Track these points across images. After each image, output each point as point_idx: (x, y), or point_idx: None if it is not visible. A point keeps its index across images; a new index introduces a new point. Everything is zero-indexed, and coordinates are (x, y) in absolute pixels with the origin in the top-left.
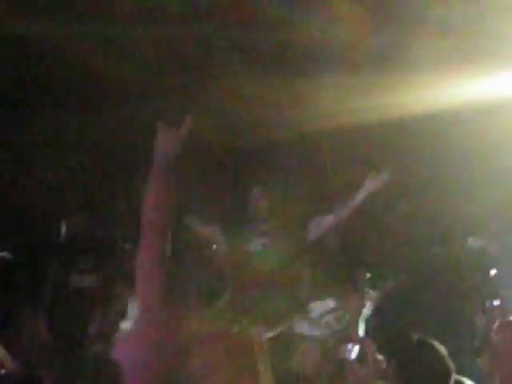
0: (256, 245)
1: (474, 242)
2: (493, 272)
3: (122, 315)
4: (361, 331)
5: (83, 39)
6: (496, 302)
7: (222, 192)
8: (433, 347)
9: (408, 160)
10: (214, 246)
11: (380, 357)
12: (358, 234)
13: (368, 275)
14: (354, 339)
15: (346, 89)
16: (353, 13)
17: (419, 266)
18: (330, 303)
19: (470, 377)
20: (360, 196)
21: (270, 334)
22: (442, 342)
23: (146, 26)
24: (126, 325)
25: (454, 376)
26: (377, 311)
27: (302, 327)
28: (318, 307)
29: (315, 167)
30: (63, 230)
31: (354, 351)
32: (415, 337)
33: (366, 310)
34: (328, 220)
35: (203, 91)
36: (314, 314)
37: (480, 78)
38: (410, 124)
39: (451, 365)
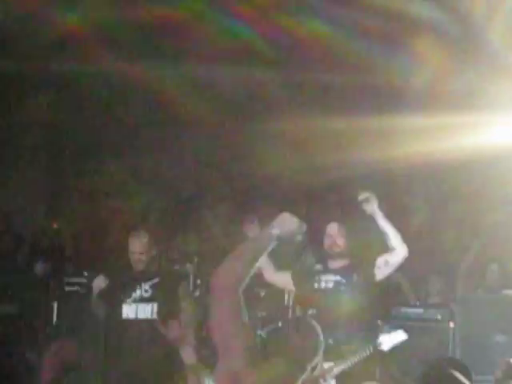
0: (327, 283)
1: None
2: None
3: None
4: None
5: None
6: None
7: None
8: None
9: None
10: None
11: None
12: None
13: None
14: None
15: (427, 128)
16: (434, 55)
17: None
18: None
19: None
20: None
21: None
22: None
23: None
24: None
25: None
26: None
27: None
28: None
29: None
30: None
31: None
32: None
33: None
34: (395, 258)
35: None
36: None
37: None
38: (489, 163)
39: None
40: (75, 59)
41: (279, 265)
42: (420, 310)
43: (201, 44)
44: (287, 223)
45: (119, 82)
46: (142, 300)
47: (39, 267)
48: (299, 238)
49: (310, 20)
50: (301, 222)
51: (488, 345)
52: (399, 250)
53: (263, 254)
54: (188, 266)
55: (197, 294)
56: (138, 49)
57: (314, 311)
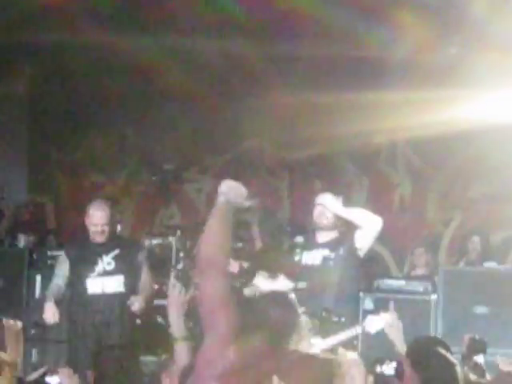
0: (315, 258)
1: None
2: None
3: None
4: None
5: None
6: None
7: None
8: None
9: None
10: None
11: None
12: None
13: None
14: None
15: (410, 102)
16: (417, 27)
17: None
18: None
19: None
20: None
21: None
22: None
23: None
24: None
25: None
26: None
27: None
28: None
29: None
30: None
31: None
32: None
33: None
34: (370, 232)
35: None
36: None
37: None
38: (472, 137)
39: None
40: (59, 30)
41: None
42: (402, 282)
43: (186, 16)
44: (232, 190)
45: (103, 53)
46: (106, 273)
47: (22, 240)
48: (248, 203)
49: None
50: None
51: (470, 317)
52: (370, 224)
53: (229, 224)
54: (170, 239)
55: (179, 266)
56: (122, 20)
57: (304, 284)
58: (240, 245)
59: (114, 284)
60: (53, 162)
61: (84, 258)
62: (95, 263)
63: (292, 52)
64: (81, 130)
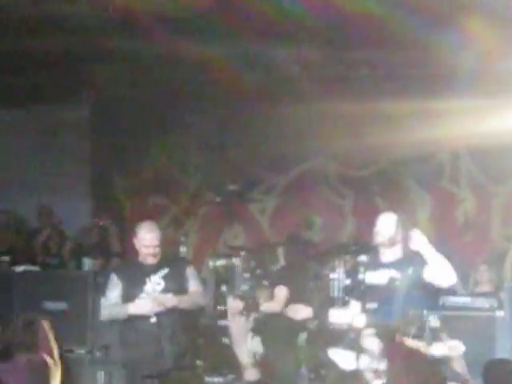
0: (380, 278)
1: None
2: None
3: None
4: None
5: None
6: None
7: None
8: None
9: None
10: None
11: None
12: None
13: None
14: None
15: (478, 111)
16: (487, 35)
17: None
18: None
19: None
20: None
21: None
22: None
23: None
24: None
25: None
26: None
27: None
28: None
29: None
30: None
31: None
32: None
33: None
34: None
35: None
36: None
37: None
38: None
39: None
40: (133, 37)
41: None
42: (468, 299)
43: (257, 22)
44: None
45: (169, 62)
46: (156, 293)
47: (86, 264)
48: None
49: None
50: None
51: None
52: (444, 279)
53: None
54: (234, 260)
55: (244, 288)
56: (188, 27)
57: (375, 305)
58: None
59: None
60: (116, 185)
61: (134, 279)
62: (144, 283)
63: (357, 61)
64: (144, 152)
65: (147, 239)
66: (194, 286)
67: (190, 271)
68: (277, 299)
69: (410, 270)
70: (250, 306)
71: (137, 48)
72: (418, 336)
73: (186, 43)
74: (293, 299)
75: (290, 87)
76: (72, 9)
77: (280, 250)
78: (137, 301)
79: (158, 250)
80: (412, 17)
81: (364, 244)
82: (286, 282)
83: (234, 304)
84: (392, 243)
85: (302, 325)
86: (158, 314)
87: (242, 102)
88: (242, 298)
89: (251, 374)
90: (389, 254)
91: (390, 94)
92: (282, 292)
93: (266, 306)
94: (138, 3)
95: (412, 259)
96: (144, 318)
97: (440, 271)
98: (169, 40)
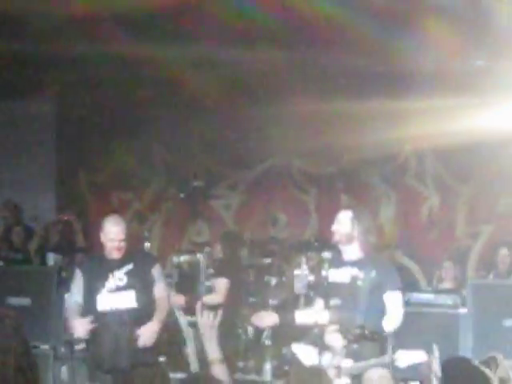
0: (343, 276)
1: None
2: None
3: None
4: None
5: None
6: None
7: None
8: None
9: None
10: None
11: None
12: None
13: None
14: None
15: (438, 111)
16: (447, 37)
17: None
18: None
19: None
20: None
21: None
22: None
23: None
24: None
25: None
26: None
27: None
28: None
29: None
30: None
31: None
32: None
33: None
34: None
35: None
36: None
37: None
38: (500, 148)
39: None
40: (87, 39)
41: None
42: (431, 296)
43: (212, 25)
44: None
45: (129, 62)
46: (118, 289)
47: (51, 259)
48: None
49: (319, 0)
50: None
51: (499, 330)
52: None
53: None
54: (198, 255)
55: (208, 283)
56: (148, 31)
57: (338, 302)
58: (269, 260)
59: (126, 300)
60: (81, 181)
61: (96, 274)
62: (106, 279)
63: (318, 61)
64: (107, 148)
65: (113, 232)
66: (160, 289)
67: (156, 270)
68: (218, 290)
69: (373, 273)
70: (191, 300)
71: (97, 49)
72: None
73: (145, 44)
74: (232, 291)
75: (252, 87)
76: (35, 10)
77: (218, 246)
78: (75, 321)
79: (123, 244)
80: (371, 19)
81: (326, 241)
82: (225, 274)
83: (175, 299)
84: (349, 240)
85: None
86: (119, 311)
87: (204, 101)
88: (183, 293)
89: (218, 369)
90: (350, 253)
91: (353, 93)
92: (222, 283)
93: (209, 298)
94: (97, 5)
95: (374, 261)
96: (105, 314)
97: (390, 321)
98: (128, 41)
